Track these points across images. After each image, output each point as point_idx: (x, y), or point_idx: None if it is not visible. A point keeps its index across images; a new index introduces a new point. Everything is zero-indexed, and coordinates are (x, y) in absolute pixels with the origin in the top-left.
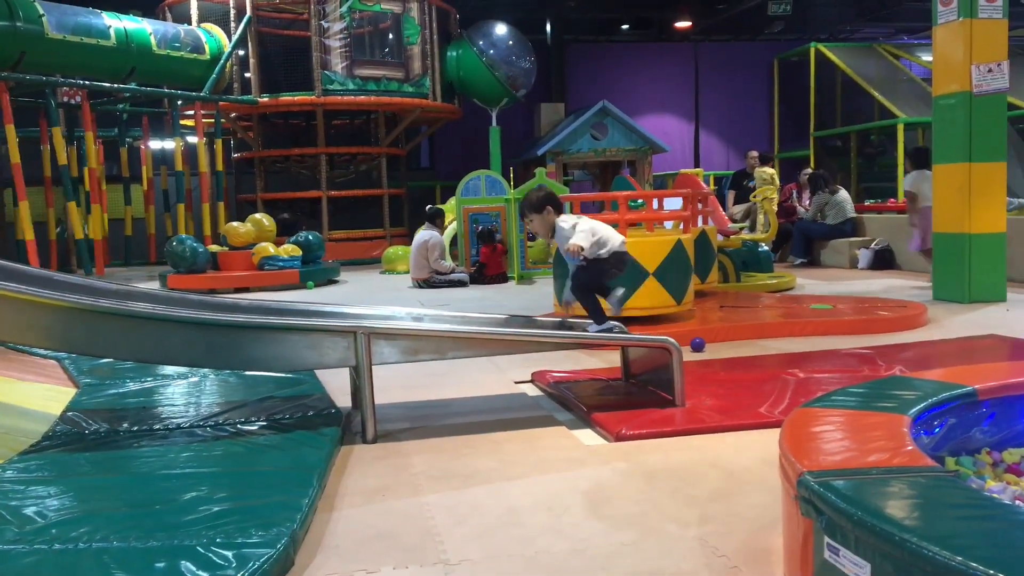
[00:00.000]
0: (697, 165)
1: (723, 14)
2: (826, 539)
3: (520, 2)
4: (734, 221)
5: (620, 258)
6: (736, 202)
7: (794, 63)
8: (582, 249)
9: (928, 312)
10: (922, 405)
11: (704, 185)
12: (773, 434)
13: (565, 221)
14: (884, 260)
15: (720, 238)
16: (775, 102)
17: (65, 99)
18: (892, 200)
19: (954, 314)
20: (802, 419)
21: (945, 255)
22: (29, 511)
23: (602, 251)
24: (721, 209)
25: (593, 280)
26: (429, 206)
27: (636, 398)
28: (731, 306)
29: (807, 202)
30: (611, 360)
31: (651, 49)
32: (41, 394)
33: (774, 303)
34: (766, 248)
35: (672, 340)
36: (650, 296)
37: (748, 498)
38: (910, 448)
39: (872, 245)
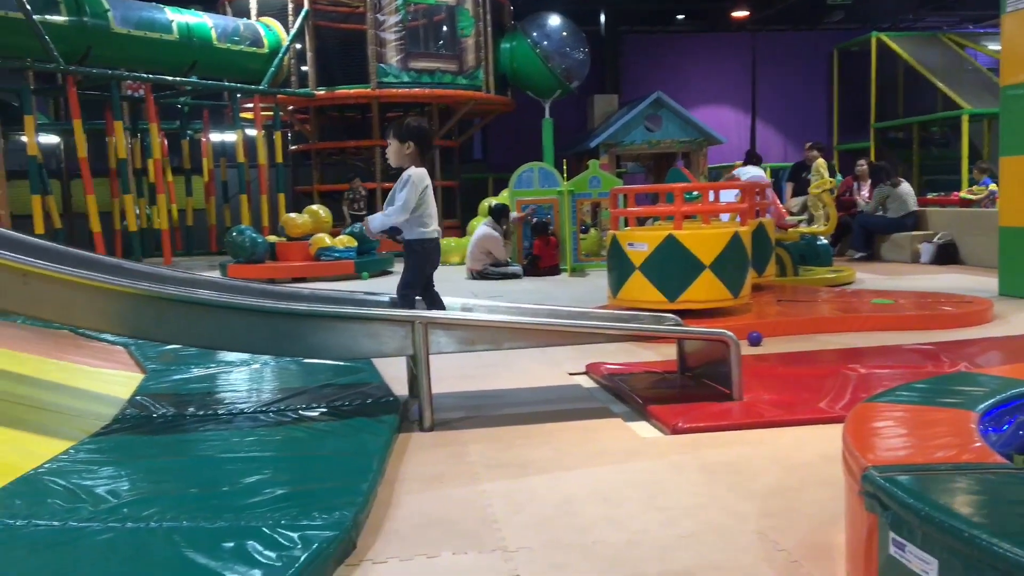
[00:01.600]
0: None
1: (781, 3)
2: (892, 535)
3: None
4: (792, 214)
5: (436, 248)
6: (794, 194)
7: (854, 53)
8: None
9: (994, 308)
10: (990, 402)
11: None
12: (833, 430)
13: (417, 173)
14: (947, 254)
15: (778, 231)
16: (834, 93)
17: (129, 92)
18: (956, 193)
19: (1021, 310)
20: (865, 414)
21: (1013, 249)
22: (101, 490)
23: (427, 231)
24: (779, 202)
25: (414, 276)
26: (496, 203)
27: (692, 391)
28: (789, 300)
29: (866, 194)
30: (665, 353)
31: (707, 40)
32: (111, 379)
33: (833, 297)
34: (825, 242)
35: (730, 333)
36: (706, 289)
37: (808, 493)
38: (978, 444)
39: (935, 239)
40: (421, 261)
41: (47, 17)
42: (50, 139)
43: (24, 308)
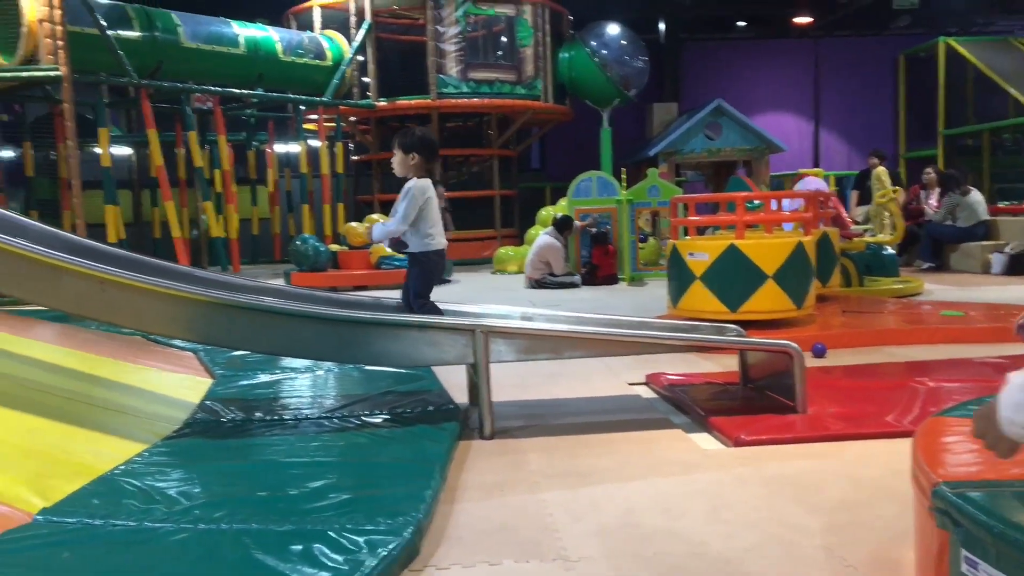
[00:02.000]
0: (817, 165)
1: (845, 9)
2: (964, 552)
3: (633, 2)
4: (856, 223)
5: (442, 259)
6: (860, 203)
7: (921, 59)
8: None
9: None
10: None
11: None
12: (901, 444)
13: (418, 185)
14: (1020, 265)
15: (843, 241)
16: (901, 100)
17: (197, 105)
18: None
19: None
20: (936, 428)
21: None
22: (173, 492)
23: (432, 243)
24: (843, 211)
25: (425, 286)
26: (561, 214)
27: (755, 403)
28: (854, 311)
29: (934, 203)
30: (727, 364)
31: (768, 46)
32: (181, 383)
33: (900, 309)
34: (891, 251)
35: (794, 345)
36: (769, 300)
37: (876, 509)
38: None
39: (1006, 249)
40: (428, 272)
41: (120, 33)
42: (123, 151)
43: (101, 314)
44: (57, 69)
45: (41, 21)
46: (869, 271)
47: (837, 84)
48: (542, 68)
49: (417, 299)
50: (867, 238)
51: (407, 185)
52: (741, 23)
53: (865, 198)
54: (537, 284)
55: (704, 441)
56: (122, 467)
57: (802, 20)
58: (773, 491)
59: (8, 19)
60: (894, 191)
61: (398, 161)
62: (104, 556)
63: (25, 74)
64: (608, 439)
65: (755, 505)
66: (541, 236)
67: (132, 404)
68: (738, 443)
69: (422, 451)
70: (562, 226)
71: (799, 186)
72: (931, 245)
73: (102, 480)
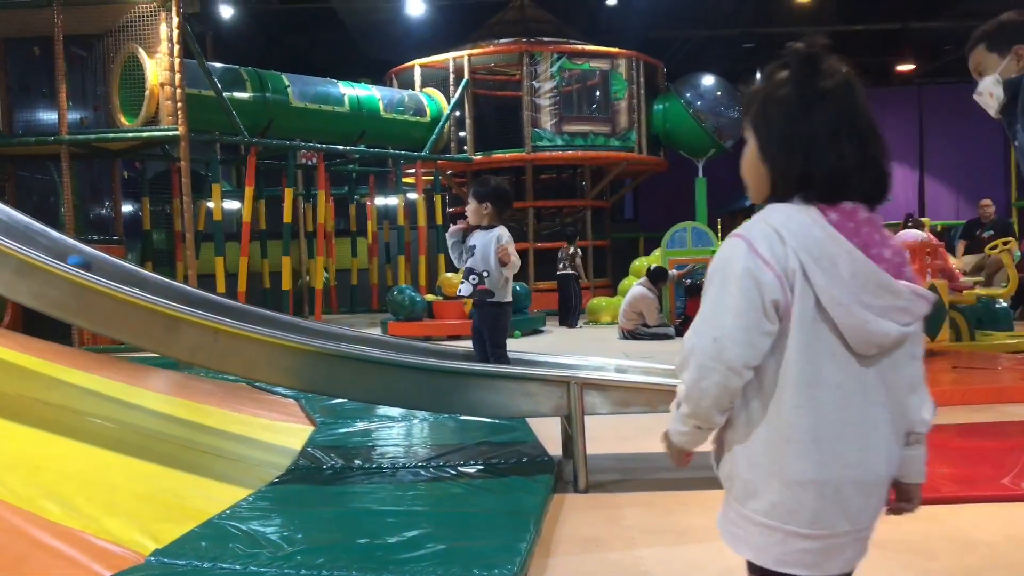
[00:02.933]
0: (922, 214)
1: (948, 56)
2: None
3: (729, 53)
4: (964, 274)
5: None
6: (967, 253)
7: None
8: (505, 260)
9: None
10: None
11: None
12: (1018, 509)
13: (507, 232)
14: None
15: (952, 293)
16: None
17: (303, 161)
18: None
19: None
20: None
21: None
22: (276, 537)
23: (509, 292)
24: (951, 262)
25: (503, 336)
26: (655, 265)
27: None
28: (965, 367)
29: None
30: None
31: (869, 94)
32: (284, 430)
33: (1016, 365)
34: (1005, 304)
35: None
36: None
37: None
38: None
39: None
40: (505, 322)
41: (235, 94)
42: (232, 204)
43: (213, 363)
44: (176, 129)
45: (163, 85)
46: (981, 325)
47: (942, 131)
48: (636, 120)
49: (496, 349)
50: (978, 290)
51: (497, 231)
52: None
53: (973, 248)
54: (630, 335)
55: None
56: (228, 511)
57: (904, 67)
58: (882, 555)
59: (134, 83)
60: (1006, 242)
61: (472, 209)
62: None
63: (146, 134)
64: (706, 496)
65: (863, 569)
66: (634, 287)
67: (239, 451)
68: None
69: (517, 503)
70: (656, 277)
71: (899, 237)
72: None
73: (210, 524)
